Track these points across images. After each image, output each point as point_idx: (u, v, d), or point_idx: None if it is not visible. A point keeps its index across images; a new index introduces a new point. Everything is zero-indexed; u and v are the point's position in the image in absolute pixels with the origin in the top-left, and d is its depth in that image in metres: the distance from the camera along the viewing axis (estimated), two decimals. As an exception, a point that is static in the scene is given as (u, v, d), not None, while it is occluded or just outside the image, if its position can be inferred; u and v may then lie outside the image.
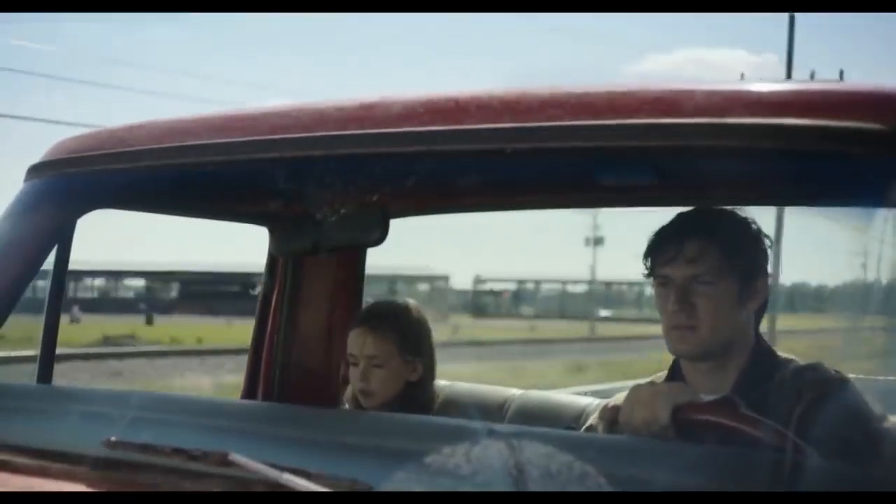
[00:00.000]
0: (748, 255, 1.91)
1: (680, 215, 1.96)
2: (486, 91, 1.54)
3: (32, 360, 2.08)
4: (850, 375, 1.85)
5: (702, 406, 1.64)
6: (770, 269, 1.99)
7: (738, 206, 1.99)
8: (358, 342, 2.34)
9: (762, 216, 1.98)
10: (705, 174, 1.84)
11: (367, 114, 1.59)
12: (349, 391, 2.40)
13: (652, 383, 1.82)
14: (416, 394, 2.36)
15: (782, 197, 2.13)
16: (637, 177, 1.91)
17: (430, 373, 2.41)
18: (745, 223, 1.95)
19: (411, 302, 2.49)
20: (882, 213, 1.41)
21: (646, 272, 1.94)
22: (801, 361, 1.90)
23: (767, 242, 1.96)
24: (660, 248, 1.91)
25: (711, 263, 1.85)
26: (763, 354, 1.92)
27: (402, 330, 2.36)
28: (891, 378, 2.18)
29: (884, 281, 1.43)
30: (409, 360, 2.35)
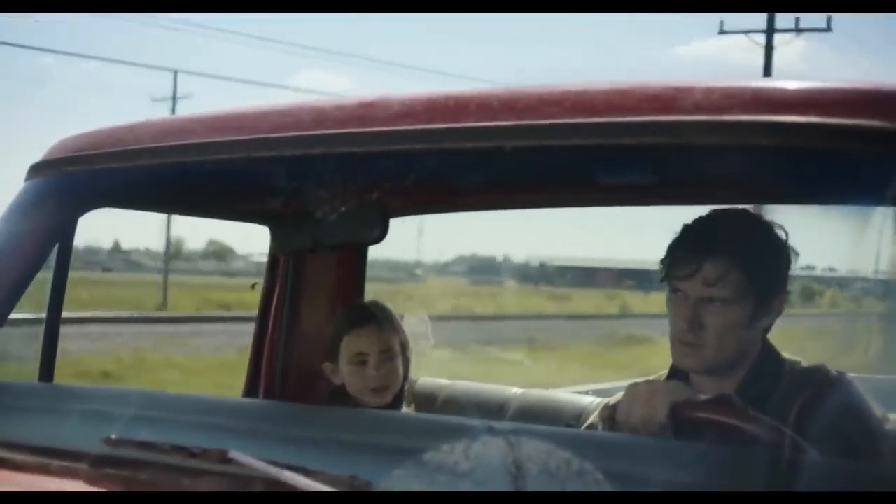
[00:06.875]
0: (769, 274, 1.82)
1: (702, 222, 1.85)
2: (485, 89, 1.54)
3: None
4: (853, 375, 1.85)
5: (699, 404, 1.64)
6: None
7: (765, 210, 1.91)
8: (369, 339, 2.36)
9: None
10: (705, 172, 1.83)
11: (366, 112, 1.59)
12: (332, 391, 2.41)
13: (649, 381, 1.81)
14: (404, 387, 2.43)
15: (782, 195, 2.13)
16: (636, 175, 1.90)
17: (409, 366, 2.47)
18: (773, 237, 1.84)
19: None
20: (882, 211, 1.41)
21: (661, 275, 1.87)
22: (805, 362, 1.89)
23: (792, 255, 1.86)
24: (678, 259, 1.83)
25: (730, 287, 1.78)
26: (767, 355, 1.90)
27: (396, 325, 2.43)
28: (891, 377, 2.18)
29: (885, 279, 1.43)
30: (404, 353, 2.42)
